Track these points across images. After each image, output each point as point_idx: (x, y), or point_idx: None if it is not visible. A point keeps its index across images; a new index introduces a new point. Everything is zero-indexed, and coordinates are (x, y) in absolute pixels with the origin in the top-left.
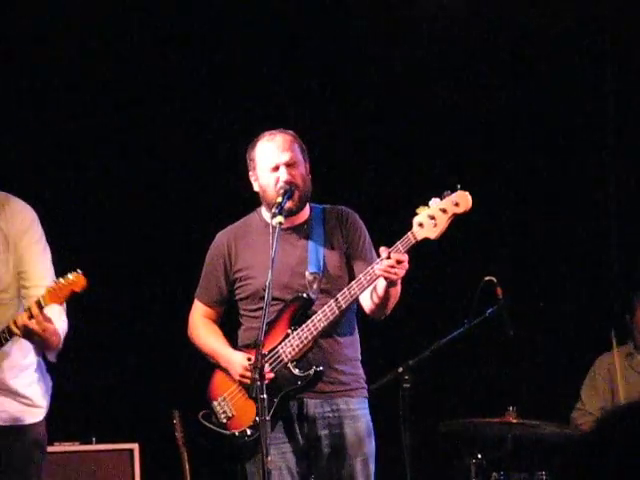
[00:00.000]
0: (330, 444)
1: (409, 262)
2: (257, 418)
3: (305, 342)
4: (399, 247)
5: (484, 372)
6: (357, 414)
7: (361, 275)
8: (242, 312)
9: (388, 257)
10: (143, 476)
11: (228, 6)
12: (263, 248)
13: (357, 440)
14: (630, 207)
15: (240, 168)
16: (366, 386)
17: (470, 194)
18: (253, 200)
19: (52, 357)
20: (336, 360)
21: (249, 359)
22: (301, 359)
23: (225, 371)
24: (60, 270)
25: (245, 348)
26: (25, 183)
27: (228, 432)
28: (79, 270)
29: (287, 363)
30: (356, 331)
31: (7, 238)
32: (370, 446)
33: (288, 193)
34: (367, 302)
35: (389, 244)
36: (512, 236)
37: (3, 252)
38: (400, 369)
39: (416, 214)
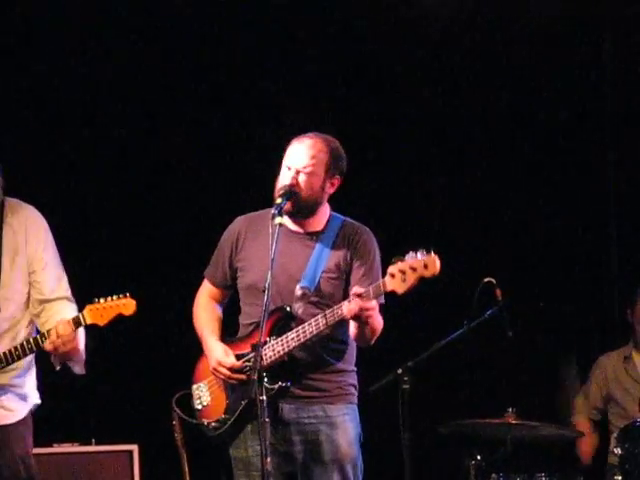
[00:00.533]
0: (305, 449)
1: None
2: (224, 415)
3: (277, 356)
4: (369, 291)
5: (483, 373)
6: (335, 421)
7: (334, 307)
8: (240, 303)
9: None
10: (142, 477)
11: (228, 5)
12: (265, 244)
13: (333, 447)
14: (629, 207)
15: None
16: (354, 393)
17: (439, 259)
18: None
19: (78, 369)
20: (315, 371)
21: (226, 352)
22: (275, 369)
23: None
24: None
25: (239, 341)
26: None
27: (195, 421)
28: (127, 293)
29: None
30: (348, 345)
31: (18, 245)
32: (351, 453)
33: (287, 195)
34: (351, 330)
35: None
36: (511, 237)
37: (11, 261)
38: (399, 370)
39: (393, 262)
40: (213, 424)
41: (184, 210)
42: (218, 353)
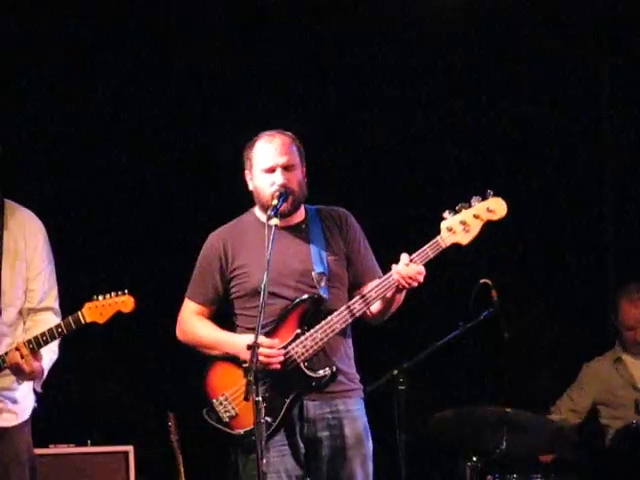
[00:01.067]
0: (330, 445)
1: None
2: (266, 418)
3: (320, 343)
4: (427, 252)
5: (479, 374)
6: (355, 415)
7: (380, 280)
8: (237, 311)
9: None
10: (138, 478)
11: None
12: (259, 247)
13: (356, 441)
14: (626, 206)
15: (233, 169)
16: (362, 387)
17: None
18: (245, 201)
19: (37, 386)
20: (341, 360)
21: (248, 347)
22: (311, 360)
23: (228, 364)
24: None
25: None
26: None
27: (233, 432)
28: (126, 290)
29: (299, 364)
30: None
31: (17, 252)
32: (368, 446)
33: (283, 196)
34: (375, 306)
35: (402, 248)
36: (507, 238)
37: (12, 266)
38: (395, 371)
39: (443, 218)
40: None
41: (178, 212)
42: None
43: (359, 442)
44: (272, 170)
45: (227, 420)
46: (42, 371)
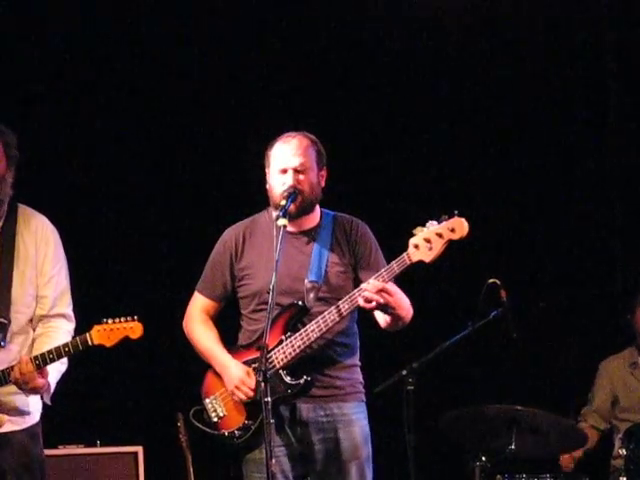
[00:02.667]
0: (324, 449)
1: (403, 284)
2: (246, 421)
3: (297, 350)
4: (394, 267)
5: (488, 374)
6: (351, 419)
7: (353, 292)
8: (242, 311)
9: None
10: (147, 479)
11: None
12: (267, 249)
13: (351, 445)
14: (634, 206)
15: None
16: (363, 390)
17: (466, 220)
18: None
19: (46, 399)
20: (330, 367)
21: (248, 373)
22: (293, 366)
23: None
24: None
25: (243, 349)
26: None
27: (217, 432)
28: (135, 317)
29: (278, 370)
30: (356, 338)
31: (28, 258)
32: (366, 451)
33: (292, 196)
34: (379, 319)
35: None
36: (516, 237)
37: (22, 273)
38: (404, 371)
39: (412, 235)
40: (237, 432)
41: (188, 208)
42: (238, 373)
43: (354, 446)
44: (285, 171)
45: (215, 420)
46: (48, 386)
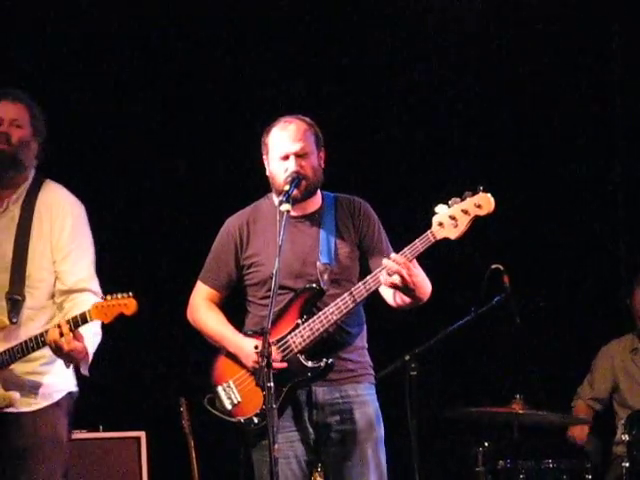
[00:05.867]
0: (341, 430)
1: (423, 262)
2: (264, 406)
3: (316, 334)
4: (417, 245)
5: (491, 360)
6: (366, 399)
7: (376, 271)
8: (250, 299)
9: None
10: (150, 464)
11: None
12: (273, 235)
13: (367, 425)
14: (638, 191)
15: (248, 152)
16: (373, 373)
17: (493, 196)
18: (262, 184)
19: (83, 370)
20: (344, 350)
21: (256, 347)
22: (310, 350)
23: (232, 356)
24: None
25: (253, 334)
26: None
27: (234, 419)
28: (131, 293)
29: (297, 354)
30: (364, 321)
31: (42, 233)
32: (379, 431)
33: (295, 181)
34: (389, 297)
35: (405, 240)
36: (519, 223)
37: (36, 249)
38: (407, 357)
39: (435, 213)
40: (255, 419)
41: (190, 196)
42: (253, 347)
43: (370, 426)
44: (286, 157)
45: (230, 407)
46: (85, 352)
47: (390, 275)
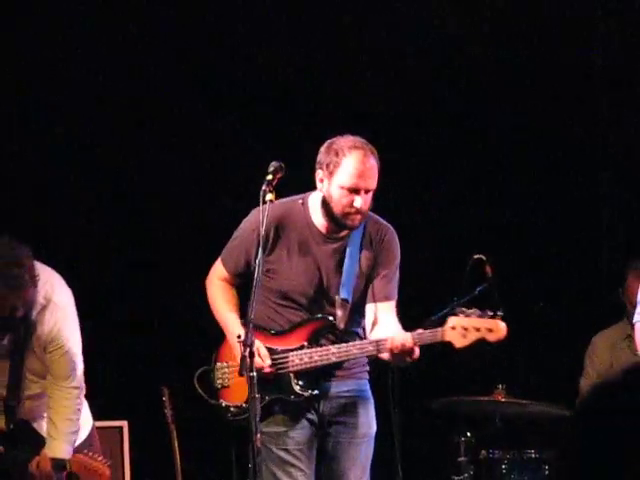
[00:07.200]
0: (343, 422)
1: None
2: (244, 404)
3: (313, 365)
4: (426, 336)
5: (473, 350)
6: (368, 395)
7: (380, 340)
8: (266, 294)
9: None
10: (132, 453)
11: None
12: (296, 249)
13: (367, 421)
14: (623, 180)
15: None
16: (368, 368)
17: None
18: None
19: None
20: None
21: (239, 336)
22: (304, 373)
23: None
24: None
25: (270, 335)
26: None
27: (215, 401)
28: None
29: (290, 372)
30: (364, 315)
31: (36, 323)
32: (374, 427)
33: (274, 171)
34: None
35: None
36: (501, 213)
37: (36, 351)
38: None
39: (454, 314)
40: (232, 409)
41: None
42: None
43: (369, 422)
44: (356, 191)
45: (218, 387)
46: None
47: (393, 351)
